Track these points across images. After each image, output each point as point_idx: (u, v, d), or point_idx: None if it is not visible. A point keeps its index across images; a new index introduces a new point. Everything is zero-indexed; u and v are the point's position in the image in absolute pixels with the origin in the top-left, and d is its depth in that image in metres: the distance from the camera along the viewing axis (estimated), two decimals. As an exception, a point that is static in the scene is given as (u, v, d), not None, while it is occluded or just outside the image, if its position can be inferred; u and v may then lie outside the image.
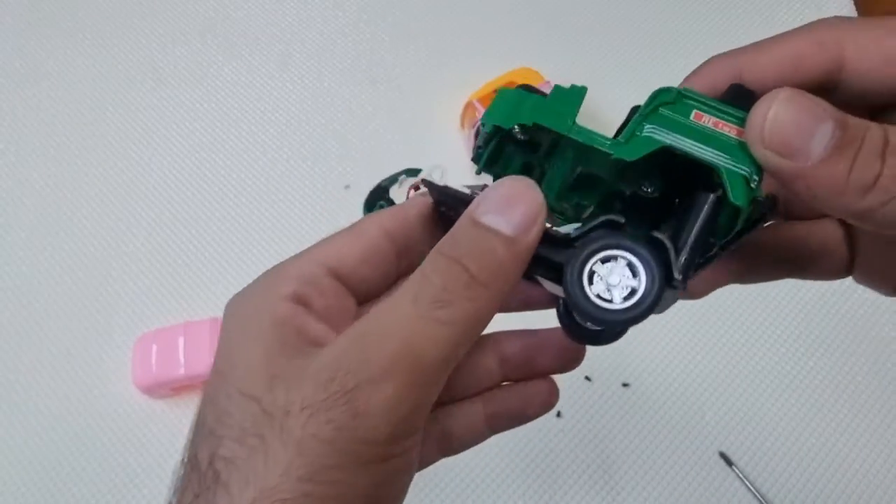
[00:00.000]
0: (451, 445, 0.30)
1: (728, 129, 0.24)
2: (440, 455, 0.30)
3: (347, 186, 0.77)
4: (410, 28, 0.88)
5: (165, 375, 0.63)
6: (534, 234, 0.23)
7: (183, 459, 0.25)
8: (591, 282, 0.24)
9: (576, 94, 0.26)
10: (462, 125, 0.79)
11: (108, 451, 0.64)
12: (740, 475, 0.63)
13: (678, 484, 0.63)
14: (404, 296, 0.23)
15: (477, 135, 0.74)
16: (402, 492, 0.25)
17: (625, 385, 0.67)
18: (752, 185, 0.24)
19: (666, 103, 0.25)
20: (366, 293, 0.27)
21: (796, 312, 0.69)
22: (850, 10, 0.88)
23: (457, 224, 0.23)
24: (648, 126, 0.25)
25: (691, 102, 0.25)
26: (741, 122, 0.24)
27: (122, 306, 0.71)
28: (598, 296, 0.24)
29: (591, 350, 0.70)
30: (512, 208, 0.23)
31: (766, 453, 0.65)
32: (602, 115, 0.81)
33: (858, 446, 0.65)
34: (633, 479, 0.64)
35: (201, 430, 0.24)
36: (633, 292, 0.24)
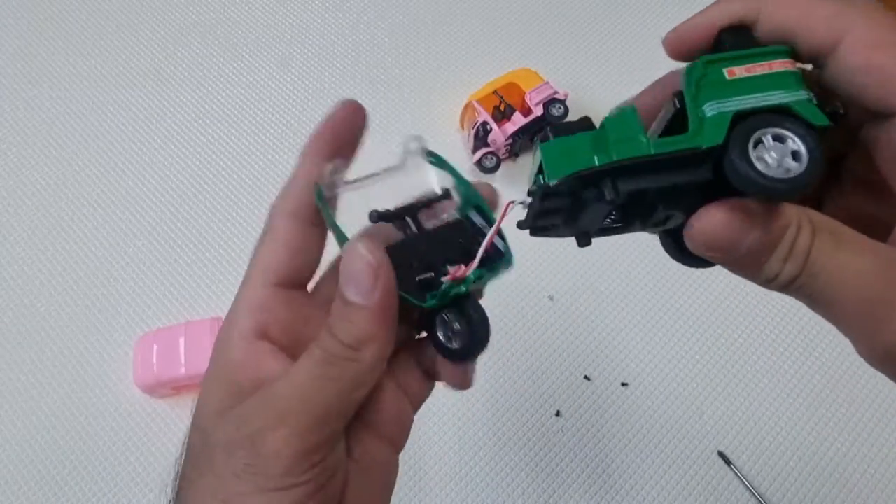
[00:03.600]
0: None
1: (760, 69, 0.26)
2: (430, 385, 0.34)
3: (347, 187, 0.77)
4: (410, 29, 0.88)
5: (166, 375, 0.63)
6: (379, 293, 0.27)
7: (175, 467, 0.30)
8: (755, 146, 0.26)
9: (629, 116, 0.28)
10: (461, 125, 0.79)
11: (109, 451, 0.64)
12: (739, 474, 0.63)
13: (677, 483, 0.64)
14: (303, 357, 0.28)
15: (476, 135, 0.75)
16: None
17: (624, 385, 0.67)
18: (814, 101, 0.26)
19: (702, 77, 0.27)
20: (309, 273, 0.32)
21: (795, 312, 0.70)
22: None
23: (336, 298, 0.28)
24: (707, 105, 0.26)
25: (717, 65, 0.27)
26: (764, 57, 0.27)
27: (123, 306, 0.71)
28: (759, 158, 0.26)
29: (590, 350, 0.70)
30: (356, 278, 0.28)
31: (764, 453, 0.65)
32: (600, 115, 0.82)
33: (857, 446, 0.65)
34: (633, 478, 0.64)
35: (183, 448, 0.29)
36: (787, 171, 0.25)
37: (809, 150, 0.25)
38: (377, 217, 0.31)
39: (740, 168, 0.25)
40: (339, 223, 0.31)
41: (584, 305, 0.71)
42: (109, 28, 0.88)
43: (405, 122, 0.82)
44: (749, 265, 0.27)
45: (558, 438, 0.65)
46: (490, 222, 0.31)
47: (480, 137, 0.74)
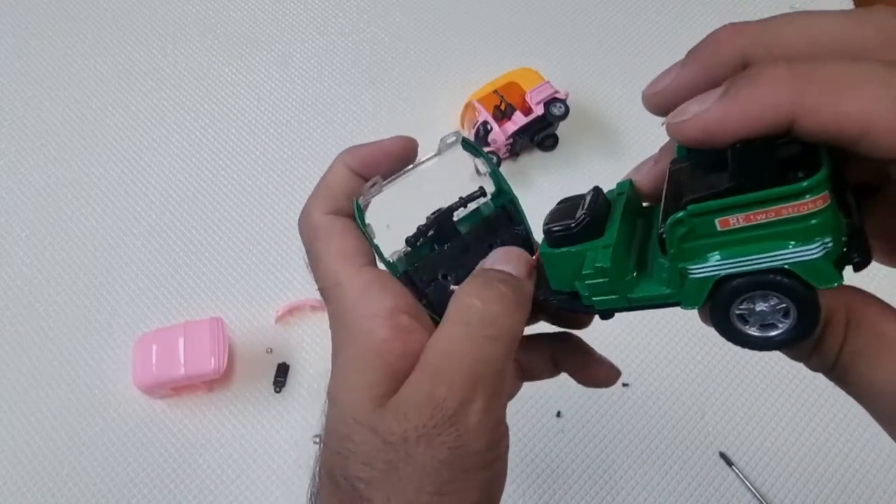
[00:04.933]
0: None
1: (763, 216, 0.21)
2: (519, 385, 0.35)
3: (347, 186, 0.77)
4: (410, 28, 0.88)
5: (165, 375, 0.63)
6: (532, 280, 0.29)
7: (316, 471, 0.30)
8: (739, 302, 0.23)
9: (606, 272, 0.26)
10: (462, 125, 0.79)
11: (109, 451, 0.64)
12: (740, 475, 0.63)
13: (678, 484, 0.63)
14: (455, 325, 0.27)
15: (477, 135, 0.75)
16: (501, 490, 0.29)
17: (625, 385, 0.67)
18: (829, 249, 0.21)
19: (687, 233, 0.23)
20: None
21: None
22: (848, 7, 0.88)
23: (474, 272, 0.29)
24: (690, 267, 0.23)
25: (707, 217, 0.22)
26: (773, 201, 0.21)
27: (122, 306, 0.71)
28: (739, 315, 0.23)
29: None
30: (510, 258, 0.29)
31: (766, 453, 0.65)
32: (600, 115, 0.82)
33: (858, 446, 0.65)
34: (633, 479, 0.64)
35: (328, 447, 0.28)
36: (772, 327, 0.23)
37: (800, 312, 0.22)
38: (413, 241, 0.31)
39: (719, 325, 0.24)
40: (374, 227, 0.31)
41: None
42: (109, 28, 0.88)
43: (405, 121, 0.81)
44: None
45: (559, 439, 0.65)
46: (521, 217, 0.32)
47: (481, 137, 0.74)
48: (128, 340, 0.67)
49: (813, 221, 0.21)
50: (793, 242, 0.21)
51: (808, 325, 0.22)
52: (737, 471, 0.63)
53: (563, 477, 0.64)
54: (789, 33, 0.22)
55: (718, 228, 0.22)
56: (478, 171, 0.32)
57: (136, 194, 0.77)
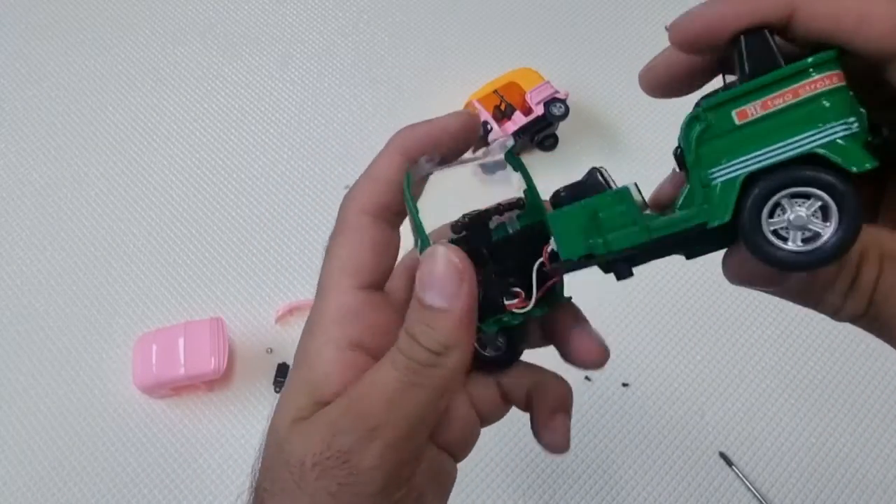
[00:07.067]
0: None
1: (781, 100, 0.21)
2: (505, 408, 0.32)
3: (347, 186, 0.77)
4: (410, 28, 0.88)
5: (165, 375, 0.63)
6: (464, 298, 0.26)
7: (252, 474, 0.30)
8: (771, 216, 0.21)
9: (625, 197, 0.24)
10: (462, 125, 0.79)
11: (108, 451, 0.64)
12: (740, 475, 0.63)
13: (678, 484, 0.63)
14: (386, 364, 0.26)
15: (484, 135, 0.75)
16: None
17: (625, 385, 0.67)
18: (859, 130, 0.20)
19: (703, 131, 0.22)
20: (388, 275, 0.30)
21: (796, 313, 0.69)
22: None
23: (411, 302, 0.26)
24: (712, 171, 0.22)
25: (724, 108, 0.21)
26: (788, 82, 0.20)
27: (122, 306, 0.71)
28: (775, 232, 0.21)
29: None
30: (441, 283, 0.26)
31: (766, 453, 0.65)
32: (600, 115, 0.82)
33: (858, 446, 0.65)
34: (634, 479, 0.64)
35: (261, 457, 0.29)
36: (815, 237, 0.21)
37: (841, 206, 0.20)
38: (461, 228, 0.29)
39: (753, 243, 0.22)
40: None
41: (583, 306, 0.71)
42: (109, 28, 0.88)
43: (405, 122, 0.81)
44: (803, 299, 0.24)
45: (559, 439, 0.65)
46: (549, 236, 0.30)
47: (481, 137, 0.74)
48: (128, 340, 0.67)
49: (832, 99, 0.20)
50: (818, 124, 0.20)
51: (852, 221, 0.20)
52: (737, 471, 0.63)
53: (563, 477, 0.64)
54: None
55: (736, 122, 0.21)
56: (512, 182, 0.31)
57: (136, 194, 0.77)
